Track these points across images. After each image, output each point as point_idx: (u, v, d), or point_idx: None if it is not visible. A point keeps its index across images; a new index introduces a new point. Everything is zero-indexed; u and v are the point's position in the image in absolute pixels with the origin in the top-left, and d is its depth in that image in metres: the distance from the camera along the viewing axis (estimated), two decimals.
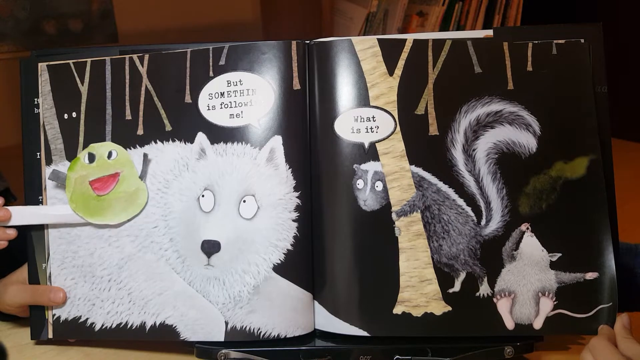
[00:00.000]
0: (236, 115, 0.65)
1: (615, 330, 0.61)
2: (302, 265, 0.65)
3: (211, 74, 0.66)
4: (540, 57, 0.65)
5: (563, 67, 0.65)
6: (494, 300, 0.64)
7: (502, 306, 0.64)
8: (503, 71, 0.65)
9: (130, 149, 0.67)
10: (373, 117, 0.64)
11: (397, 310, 0.64)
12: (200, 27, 1.72)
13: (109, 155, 0.67)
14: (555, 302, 0.64)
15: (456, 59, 0.65)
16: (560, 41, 0.66)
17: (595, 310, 0.64)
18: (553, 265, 0.64)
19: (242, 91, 0.65)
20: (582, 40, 0.66)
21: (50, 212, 0.67)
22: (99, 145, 0.67)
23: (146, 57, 0.68)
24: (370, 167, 0.64)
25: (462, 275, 0.64)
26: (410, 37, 0.65)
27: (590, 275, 0.64)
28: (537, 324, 0.64)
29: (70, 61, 0.68)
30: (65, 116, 0.68)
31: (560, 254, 0.64)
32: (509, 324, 0.64)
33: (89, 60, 0.68)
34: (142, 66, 0.68)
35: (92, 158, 0.67)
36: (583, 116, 0.65)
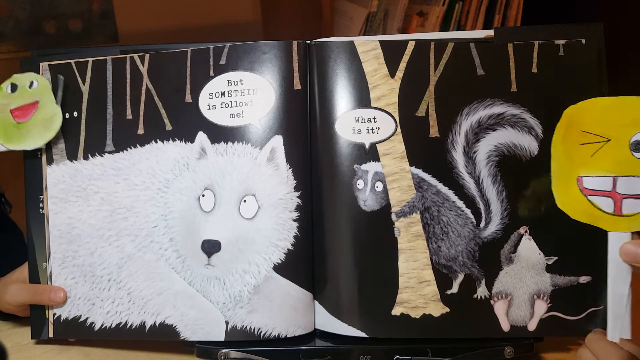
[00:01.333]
0: (237, 115, 0.65)
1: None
2: (303, 265, 0.65)
3: (212, 73, 0.66)
4: (546, 59, 0.65)
5: (569, 68, 0.65)
6: (491, 302, 0.65)
7: (499, 308, 0.65)
8: (506, 73, 0.65)
9: (130, 148, 0.67)
10: (374, 118, 0.64)
11: (396, 311, 0.64)
12: (200, 28, 1.72)
13: (30, 85, 0.67)
14: (549, 305, 0.64)
15: (458, 61, 0.65)
16: (567, 42, 0.65)
17: (586, 313, 0.64)
18: (549, 269, 0.64)
19: (242, 91, 0.65)
20: (583, 41, 0.65)
21: None
22: (22, 75, 0.68)
23: (147, 56, 0.68)
24: (370, 167, 0.64)
25: (460, 277, 0.65)
26: (412, 37, 0.65)
27: (584, 279, 0.64)
28: (532, 326, 0.65)
29: (72, 60, 0.68)
30: (67, 115, 0.68)
31: (556, 258, 0.64)
32: (505, 326, 0.65)
33: (90, 59, 0.68)
34: (143, 66, 0.68)
35: (14, 88, 0.68)
36: None
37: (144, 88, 0.68)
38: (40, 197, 0.68)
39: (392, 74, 0.65)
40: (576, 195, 0.58)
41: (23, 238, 0.81)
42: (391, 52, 0.65)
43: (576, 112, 0.58)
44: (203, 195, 0.65)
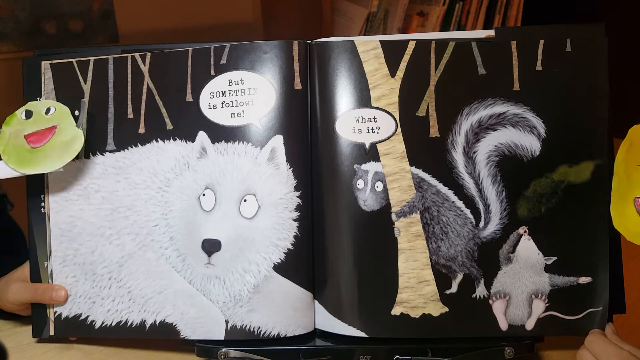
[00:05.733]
0: (237, 115, 0.65)
1: (606, 333, 0.62)
2: (303, 264, 0.65)
3: (212, 73, 0.66)
4: (552, 56, 0.64)
5: (577, 65, 0.64)
6: (490, 301, 0.65)
7: (497, 308, 0.65)
8: (509, 72, 0.65)
9: (131, 147, 0.67)
10: (374, 118, 0.64)
11: (396, 311, 0.64)
12: (201, 28, 1.72)
13: (47, 111, 0.67)
14: (547, 304, 0.65)
15: (459, 61, 0.65)
16: (574, 38, 0.64)
17: (585, 313, 0.64)
18: (548, 269, 0.64)
19: (243, 90, 0.65)
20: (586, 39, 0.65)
21: None
22: (37, 103, 0.67)
23: (148, 56, 0.68)
24: (370, 167, 0.64)
25: (460, 277, 0.65)
26: (412, 37, 0.65)
27: (584, 280, 0.64)
28: (529, 325, 0.65)
29: (73, 60, 0.68)
30: None
31: (555, 258, 0.64)
32: (503, 325, 0.65)
33: (91, 59, 0.68)
34: (144, 65, 0.68)
35: (29, 115, 0.67)
36: (594, 118, 0.64)
37: (145, 87, 0.68)
38: (42, 195, 0.69)
39: (393, 73, 0.65)
40: (632, 217, 0.56)
41: (24, 238, 0.81)
42: (392, 52, 0.65)
43: (639, 131, 0.56)
44: (203, 195, 0.65)
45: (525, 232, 0.64)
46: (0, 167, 0.65)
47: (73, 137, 0.65)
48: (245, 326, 0.65)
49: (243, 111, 0.65)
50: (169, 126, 0.67)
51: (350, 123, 0.64)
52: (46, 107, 0.67)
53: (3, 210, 0.88)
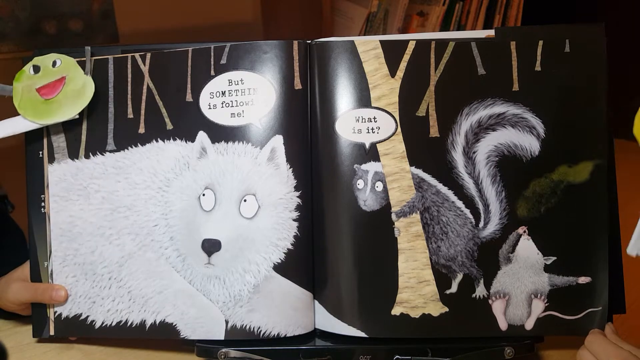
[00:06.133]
0: (237, 115, 0.65)
1: (606, 333, 0.62)
2: (303, 264, 0.65)
3: (212, 72, 0.66)
4: (551, 56, 0.64)
5: (575, 66, 0.64)
6: (490, 301, 0.65)
7: (497, 307, 0.65)
8: (508, 72, 0.65)
9: (131, 147, 0.68)
10: (374, 118, 0.64)
11: (396, 311, 0.64)
12: (200, 28, 1.72)
13: (53, 64, 0.68)
14: (546, 304, 0.65)
15: (459, 61, 0.65)
16: (572, 38, 0.64)
17: (584, 313, 0.64)
18: (547, 268, 0.65)
19: (243, 90, 0.66)
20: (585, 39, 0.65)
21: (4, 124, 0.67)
22: (43, 57, 0.68)
23: (148, 56, 0.68)
24: (370, 167, 0.64)
25: (459, 277, 0.65)
26: (412, 37, 0.65)
27: (583, 280, 0.64)
28: (529, 325, 0.65)
29: (74, 60, 0.68)
30: None
31: (555, 258, 0.65)
32: (503, 325, 0.65)
33: (92, 59, 0.68)
34: (144, 65, 0.68)
35: (37, 69, 0.68)
36: (593, 118, 0.64)
37: (145, 87, 0.68)
38: (42, 195, 0.69)
39: (393, 73, 0.65)
40: None
41: (24, 240, 0.81)
42: (392, 52, 0.65)
43: None
44: (203, 195, 0.65)
45: (524, 232, 0.65)
46: (18, 122, 0.67)
47: (83, 84, 0.67)
48: (245, 326, 0.65)
49: (243, 111, 0.65)
50: (169, 126, 0.67)
51: (350, 123, 0.64)
52: (52, 60, 0.68)
53: (4, 211, 0.88)
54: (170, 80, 0.67)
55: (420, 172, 0.64)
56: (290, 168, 0.65)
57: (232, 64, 0.66)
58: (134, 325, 0.67)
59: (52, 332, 0.69)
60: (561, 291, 0.65)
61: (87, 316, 0.68)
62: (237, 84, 0.66)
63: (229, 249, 0.64)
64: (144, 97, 0.68)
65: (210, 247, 0.65)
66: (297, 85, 0.66)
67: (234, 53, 0.66)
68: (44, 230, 0.68)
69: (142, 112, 0.68)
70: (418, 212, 0.65)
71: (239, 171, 0.65)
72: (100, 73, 0.68)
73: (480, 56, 0.65)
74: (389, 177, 0.64)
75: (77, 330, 0.68)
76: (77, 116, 0.67)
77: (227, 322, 0.65)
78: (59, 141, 0.68)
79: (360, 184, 0.64)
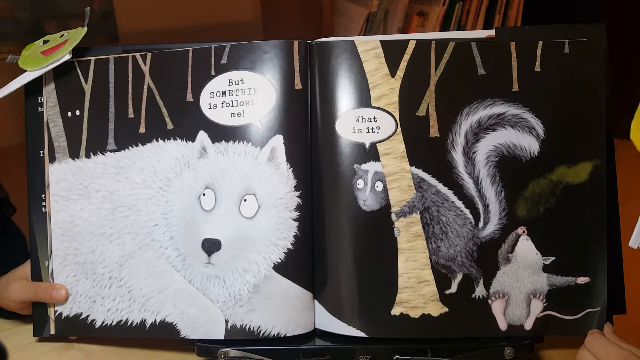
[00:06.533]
0: (237, 114, 0.65)
1: (605, 333, 0.62)
2: (303, 264, 0.65)
3: (213, 72, 0.67)
4: (551, 57, 0.64)
5: (575, 67, 0.64)
6: (489, 301, 0.65)
7: (497, 307, 0.65)
8: (508, 72, 0.65)
9: (132, 147, 0.68)
10: (374, 118, 0.64)
11: (395, 311, 0.64)
12: (201, 27, 1.71)
13: (61, 36, 0.69)
14: (545, 304, 0.65)
15: (459, 61, 0.65)
16: (573, 40, 0.65)
17: (583, 313, 0.65)
18: (546, 268, 0.65)
19: (243, 90, 0.66)
20: (585, 40, 0.65)
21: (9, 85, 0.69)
22: (54, 35, 0.70)
23: (149, 55, 0.68)
24: (370, 167, 0.64)
25: (459, 277, 0.65)
26: (412, 37, 0.65)
27: (582, 280, 0.65)
28: (528, 325, 0.65)
29: (74, 59, 0.69)
30: (69, 114, 0.68)
31: (553, 258, 0.65)
32: (502, 325, 0.65)
33: (92, 58, 0.69)
34: (145, 65, 0.68)
35: (46, 41, 0.69)
36: (592, 119, 0.64)
37: (145, 87, 0.68)
38: (43, 195, 0.69)
39: (393, 73, 0.65)
40: None
41: (25, 242, 0.81)
42: (392, 52, 0.65)
43: None
44: (203, 194, 0.65)
45: (523, 232, 0.65)
46: (21, 78, 0.68)
47: (79, 33, 0.68)
48: (245, 326, 0.65)
49: (243, 111, 0.65)
50: (170, 126, 0.67)
51: (350, 123, 0.65)
52: (61, 34, 0.69)
53: (4, 213, 0.88)
54: (170, 80, 0.67)
55: (420, 172, 0.65)
56: (290, 168, 0.65)
57: (233, 64, 0.66)
58: (134, 325, 0.67)
59: (52, 331, 0.69)
60: (560, 291, 0.65)
61: (88, 315, 0.68)
62: (238, 83, 0.66)
63: (229, 249, 0.65)
64: (144, 97, 0.68)
65: (210, 246, 0.65)
66: (297, 85, 0.66)
67: (235, 53, 0.66)
68: (44, 229, 0.69)
69: (143, 111, 0.68)
70: (418, 212, 0.65)
71: (239, 171, 0.65)
72: (101, 73, 0.68)
73: (480, 56, 0.65)
74: (389, 177, 0.64)
75: (78, 329, 0.68)
76: (69, 55, 0.67)
77: (227, 321, 0.65)
78: (60, 141, 0.68)
79: (360, 183, 0.64)
